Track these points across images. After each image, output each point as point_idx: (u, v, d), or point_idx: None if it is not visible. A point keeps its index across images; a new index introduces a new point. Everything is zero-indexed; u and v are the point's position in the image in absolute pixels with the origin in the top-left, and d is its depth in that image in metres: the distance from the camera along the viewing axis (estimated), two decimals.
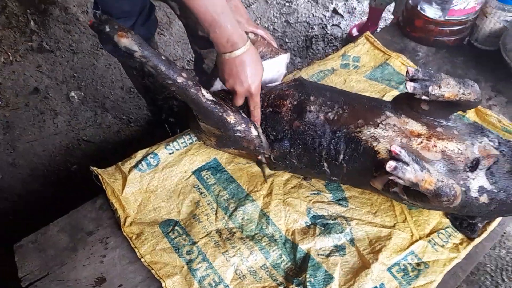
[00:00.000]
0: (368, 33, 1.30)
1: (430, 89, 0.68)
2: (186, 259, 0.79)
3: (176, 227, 0.85)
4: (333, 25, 1.95)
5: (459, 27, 1.25)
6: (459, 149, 0.74)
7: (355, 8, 2.06)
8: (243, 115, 0.83)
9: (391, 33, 1.35)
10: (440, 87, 0.69)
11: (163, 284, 0.75)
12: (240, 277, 0.78)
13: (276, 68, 0.94)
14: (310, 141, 0.81)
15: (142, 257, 0.79)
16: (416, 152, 0.73)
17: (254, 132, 0.83)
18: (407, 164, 0.63)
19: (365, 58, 1.24)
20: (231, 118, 0.80)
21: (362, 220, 0.86)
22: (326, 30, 1.92)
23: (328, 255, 0.80)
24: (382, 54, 1.25)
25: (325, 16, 1.99)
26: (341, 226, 0.84)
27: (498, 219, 0.86)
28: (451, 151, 0.74)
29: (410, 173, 0.63)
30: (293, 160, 0.84)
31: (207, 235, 0.83)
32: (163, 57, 0.74)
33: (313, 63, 1.24)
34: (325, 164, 0.82)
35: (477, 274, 1.24)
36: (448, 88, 0.70)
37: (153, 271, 0.77)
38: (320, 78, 1.19)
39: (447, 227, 0.85)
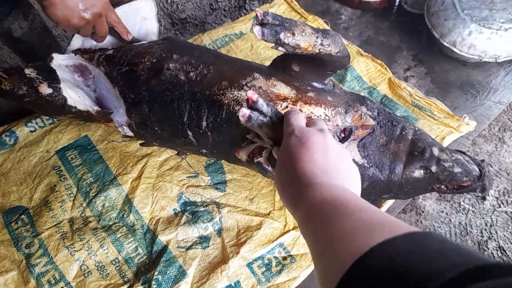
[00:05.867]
0: None
1: (281, 35, 0.57)
2: (25, 253, 0.70)
3: (23, 216, 0.74)
4: None
5: None
6: (327, 115, 0.64)
7: None
8: (26, 74, 0.69)
9: None
10: (293, 34, 0.58)
11: None
12: (84, 274, 0.69)
13: (137, 14, 0.80)
14: (169, 103, 0.70)
15: None
16: None
17: (45, 91, 0.68)
18: (265, 116, 0.51)
19: None
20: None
21: (236, 207, 0.77)
22: None
23: (189, 248, 0.72)
24: (299, 17, 1.11)
25: None
26: (210, 214, 0.75)
27: (387, 206, 0.78)
28: (317, 117, 0.64)
29: (269, 127, 0.50)
30: (156, 127, 0.74)
31: (55, 225, 0.73)
32: None
33: (221, 26, 1.10)
34: (190, 133, 0.72)
35: None
36: (304, 37, 0.59)
37: None
38: (225, 43, 1.06)
39: None
